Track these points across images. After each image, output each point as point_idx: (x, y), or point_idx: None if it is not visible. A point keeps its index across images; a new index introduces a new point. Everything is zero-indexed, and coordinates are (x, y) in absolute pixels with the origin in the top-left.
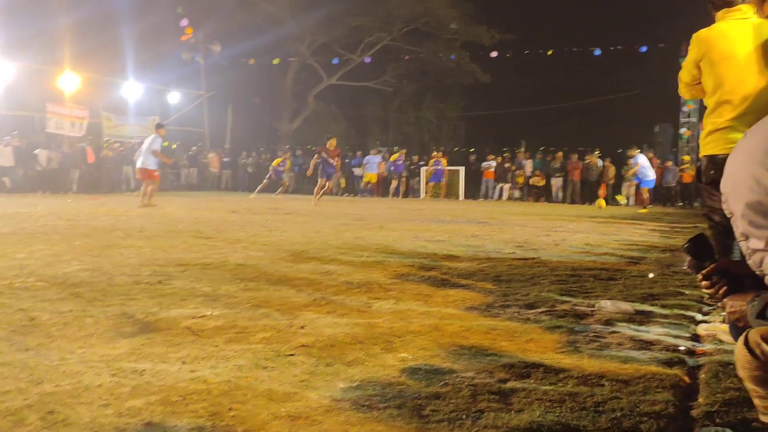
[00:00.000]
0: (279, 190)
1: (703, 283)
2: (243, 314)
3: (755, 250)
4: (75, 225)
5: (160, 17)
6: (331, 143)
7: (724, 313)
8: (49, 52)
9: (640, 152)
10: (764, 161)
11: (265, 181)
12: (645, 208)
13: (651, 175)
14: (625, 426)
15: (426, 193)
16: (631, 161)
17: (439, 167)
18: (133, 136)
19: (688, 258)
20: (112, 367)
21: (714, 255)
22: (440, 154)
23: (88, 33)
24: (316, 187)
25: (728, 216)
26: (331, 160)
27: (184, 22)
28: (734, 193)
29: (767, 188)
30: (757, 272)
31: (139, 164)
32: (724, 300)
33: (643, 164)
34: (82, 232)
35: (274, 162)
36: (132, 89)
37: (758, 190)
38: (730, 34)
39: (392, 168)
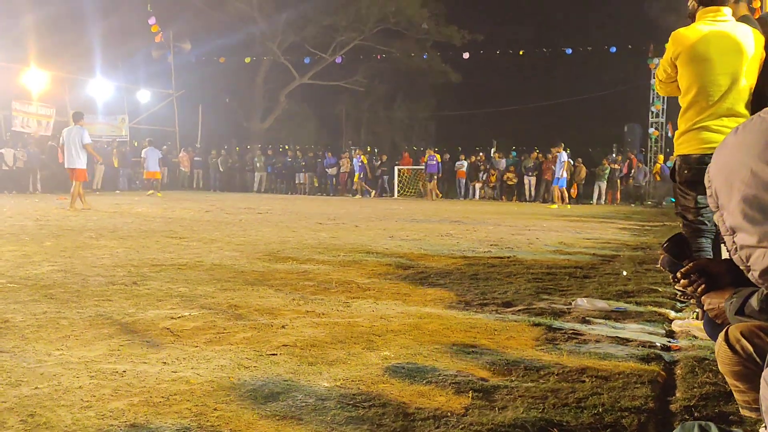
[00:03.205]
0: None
1: (682, 281)
2: (221, 315)
3: (743, 246)
4: (44, 225)
5: (129, 15)
6: None
7: (697, 310)
8: (15, 50)
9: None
10: (762, 155)
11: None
12: (561, 204)
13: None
14: (607, 421)
15: (429, 194)
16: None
17: (433, 162)
18: (102, 135)
19: (663, 256)
20: (91, 368)
21: (692, 254)
22: (432, 150)
23: (55, 30)
24: None
25: (714, 210)
26: None
27: (152, 20)
28: (726, 187)
29: (765, 182)
30: (742, 267)
31: (68, 164)
32: (703, 298)
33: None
34: (52, 232)
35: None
36: (100, 88)
37: (754, 184)
38: (708, 35)
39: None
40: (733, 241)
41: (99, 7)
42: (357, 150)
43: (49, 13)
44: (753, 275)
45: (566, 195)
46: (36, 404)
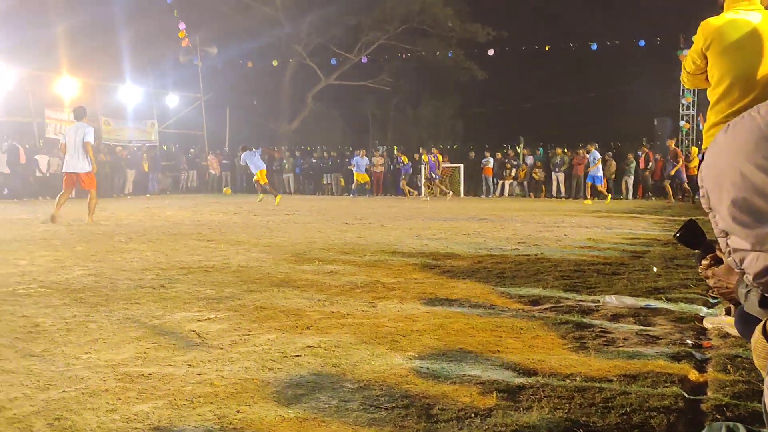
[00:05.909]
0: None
1: (703, 273)
2: (247, 316)
3: (736, 249)
4: (76, 230)
5: (157, 21)
6: None
7: (728, 306)
8: (47, 58)
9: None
10: (751, 157)
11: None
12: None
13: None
14: (635, 421)
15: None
16: (588, 157)
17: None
18: (132, 139)
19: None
20: (118, 371)
21: (706, 240)
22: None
23: (85, 38)
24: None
25: (707, 210)
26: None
27: (182, 26)
28: (717, 189)
29: (754, 185)
30: (737, 270)
31: (68, 167)
32: (707, 271)
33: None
34: (83, 237)
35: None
36: (130, 93)
37: (744, 187)
38: (740, 24)
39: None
40: (727, 244)
41: (127, 14)
42: (430, 147)
43: (79, 20)
44: (748, 278)
45: (604, 189)
46: (63, 408)
